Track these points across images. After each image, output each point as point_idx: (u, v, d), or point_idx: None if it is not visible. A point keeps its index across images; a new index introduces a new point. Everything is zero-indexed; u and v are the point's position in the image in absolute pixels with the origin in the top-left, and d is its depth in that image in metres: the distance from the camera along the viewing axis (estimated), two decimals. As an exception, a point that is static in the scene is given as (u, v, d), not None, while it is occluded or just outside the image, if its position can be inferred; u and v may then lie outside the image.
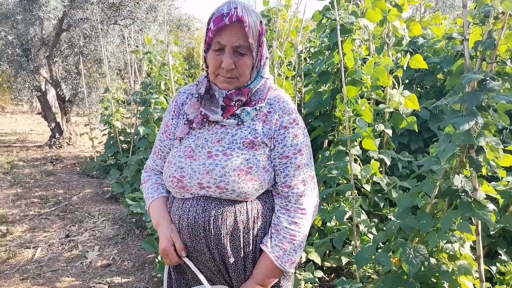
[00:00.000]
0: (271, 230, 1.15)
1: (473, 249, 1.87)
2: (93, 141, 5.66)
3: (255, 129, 1.12)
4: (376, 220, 2.73)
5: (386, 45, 2.68)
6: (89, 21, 6.31)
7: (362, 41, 2.81)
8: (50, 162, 6.09)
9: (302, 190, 1.14)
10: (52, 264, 2.90)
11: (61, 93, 7.23)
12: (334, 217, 2.42)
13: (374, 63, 2.83)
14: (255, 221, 1.13)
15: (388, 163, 2.72)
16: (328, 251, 2.73)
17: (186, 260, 1.14)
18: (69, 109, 7.57)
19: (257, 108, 1.13)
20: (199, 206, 1.11)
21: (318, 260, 2.42)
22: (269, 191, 1.18)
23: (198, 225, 1.10)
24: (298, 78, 3.65)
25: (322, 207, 2.55)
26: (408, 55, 2.68)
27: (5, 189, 4.67)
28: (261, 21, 1.10)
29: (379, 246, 2.29)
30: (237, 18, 1.03)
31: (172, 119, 1.24)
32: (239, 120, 1.13)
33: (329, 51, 2.48)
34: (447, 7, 12.28)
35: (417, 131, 2.70)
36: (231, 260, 1.13)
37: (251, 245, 1.14)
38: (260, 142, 1.11)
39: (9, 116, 11.55)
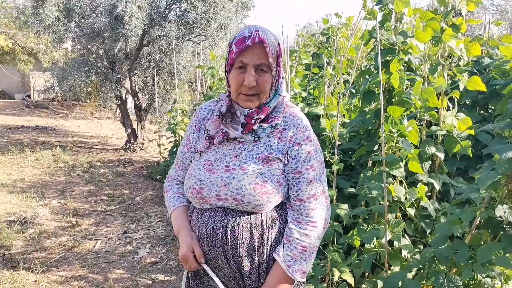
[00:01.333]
0: (283, 240, 1.21)
1: (517, 288, 1.71)
2: (160, 147, 6.10)
3: (270, 145, 1.20)
4: (421, 247, 2.60)
5: (440, 65, 2.57)
6: (166, 38, 6.87)
7: (421, 61, 2.73)
8: (122, 165, 6.68)
9: (313, 204, 1.20)
10: (108, 256, 3.20)
11: (138, 102, 7.93)
12: (374, 239, 2.38)
13: (428, 83, 2.73)
14: (270, 232, 1.20)
15: (438, 187, 2.57)
16: (367, 274, 2.65)
17: (205, 266, 1.23)
18: (144, 117, 8.25)
19: (273, 125, 1.21)
20: (217, 217, 1.19)
21: (351, 280, 2.37)
22: (283, 203, 1.24)
23: (216, 235, 1.18)
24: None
25: (361, 227, 2.50)
26: (465, 76, 2.54)
27: (81, 186, 5.23)
28: (278, 43, 1.19)
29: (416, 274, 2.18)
30: (259, 39, 1.13)
31: (193, 133, 1.32)
32: (256, 136, 1.20)
33: (376, 71, 2.46)
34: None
35: (471, 156, 2.53)
36: (246, 268, 1.20)
37: (265, 254, 1.21)
38: (275, 158, 1.19)
39: (96, 121, 12.86)
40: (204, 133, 1.28)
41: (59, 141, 8.58)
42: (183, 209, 1.31)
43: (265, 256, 1.21)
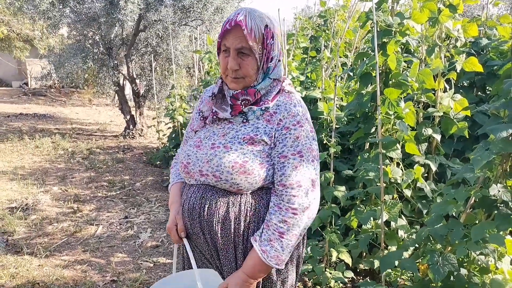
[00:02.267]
0: (263, 225, 1.19)
1: None
2: (159, 133, 6.11)
3: (257, 127, 1.19)
4: (418, 227, 2.64)
5: (437, 47, 2.56)
6: (162, 23, 6.80)
7: (419, 42, 2.72)
8: (122, 151, 6.70)
9: (296, 191, 1.17)
10: (109, 241, 3.25)
11: (136, 89, 7.90)
12: (371, 219, 2.42)
13: (425, 65, 2.73)
14: (247, 214, 1.19)
15: (434, 169, 2.60)
16: (364, 254, 2.70)
17: (185, 240, 1.27)
18: (142, 103, 8.23)
19: (263, 108, 1.20)
20: (198, 193, 1.22)
21: (348, 260, 2.41)
22: (268, 188, 1.23)
23: (195, 210, 1.22)
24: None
25: (358, 208, 2.54)
26: (462, 57, 2.54)
27: (82, 172, 5.26)
28: (266, 25, 1.17)
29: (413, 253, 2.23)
30: (235, 22, 1.13)
31: (196, 113, 1.37)
32: (245, 118, 1.21)
33: (373, 53, 2.45)
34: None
35: (468, 137, 2.55)
36: (222, 246, 1.21)
37: (241, 236, 1.20)
38: (260, 139, 1.18)
39: (95, 108, 12.82)
40: (199, 114, 1.32)
41: (58, 128, 8.58)
42: (179, 186, 1.36)
43: (241, 238, 1.20)
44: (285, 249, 1.17)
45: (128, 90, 9.18)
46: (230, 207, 1.19)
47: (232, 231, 1.20)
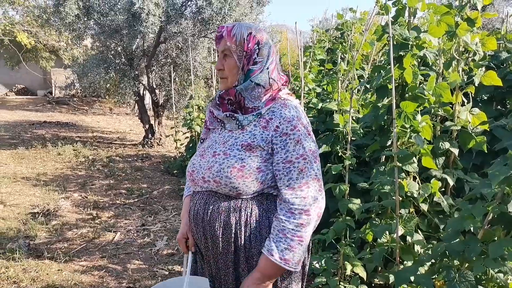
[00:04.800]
0: (276, 235, 1.20)
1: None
2: (176, 142, 6.21)
3: (254, 134, 1.26)
4: (434, 242, 2.60)
5: (455, 60, 2.55)
6: (182, 35, 6.96)
7: (436, 55, 2.72)
8: (140, 159, 6.83)
9: (306, 193, 1.21)
10: (126, 248, 3.31)
11: (155, 98, 8.07)
12: (386, 233, 2.40)
13: (443, 78, 2.72)
14: (248, 219, 1.24)
15: (452, 183, 2.57)
16: (379, 268, 2.67)
17: (190, 254, 1.36)
18: (161, 113, 8.39)
19: (254, 114, 1.28)
20: (202, 200, 1.30)
21: (363, 274, 2.39)
22: (268, 194, 1.27)
23: (199, 215, 1.29)
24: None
25: (374, 222, 2.52)
26: (481, 71, 2.52)
27: (101, 180, 5.39)
28: (250, 33, 1.28)
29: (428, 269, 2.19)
30: (220, 28, 1.31)
31: (204, 128, 1.48)
32: (239, 123, 1.29)
33: (389, 66, 2.46)
34: None
35: (486, 151, 2.51)
36: (221, 250, 1.26)
37: (242, 240, 1.24)
38: (257, 145, 1.24)
39: (115, 117, 13.12)
40: (204, 121, 1.45)
41: (80, 136, 8.81)
42: (189, 198, 1.44)
43: (242, 242, 1.24)
44: (305, 250, 1.24)
45: (147, 100, 9.39)
46: (231, 212, 1.25)
47: (233, 235, 1.25)
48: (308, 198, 1.22)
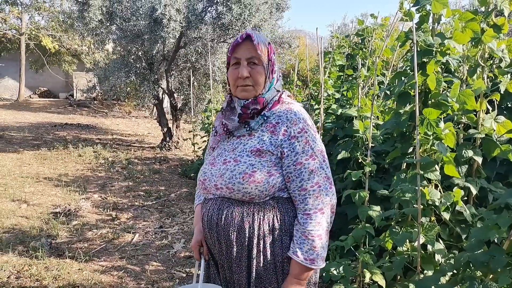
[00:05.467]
0: (299, 237, 1.26)
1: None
2: (194, 146, 6.27)
3: (263, 140, 1.28)
4: (456, 252, 2.54)
5: (480, 67, 2.51)
6: (202, 40, 7.05)
7: (460, 62, 2.68)
8: (158, 162, 6.91)
9: (318, 192, 1.27)
10: (145, 249, 3.36)
11: (174, 102, 8.18)
12: (406, 241, 2.36)
13: (466, 85, 2.67)
14: (261, 223, 1.27)
15: (475, 192, 2.51)
16: (399, 277, 2.63)
17: (202, 261, 1.38)
18: (180, 117, 8.49)
19: (262, 114, 1.30)
20: (216, 205, 1.32)
21: (382, 282, 2.36)
22: (278, 197, 1.31)
23: (213, 221, 1.31)
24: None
25: (394, 229, 2.49)
26: (507, 78, 2.47)
27: (120, 182, 5.48)
28: (269, 42, 1.34)
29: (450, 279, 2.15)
30: (246, 34, 1.29)
31: (211, 137, 1.49)
32: (249, 128, 1.30)
33: (412, 72, 2.43)
34: None
35: (511, 160, 2.45)
36: (235, 254, 1.29)
37: (255, 244, 1.27)
38: (266, 150, 1.27)
39: (134, 120, 13.34)
40: (214, 130, 1.45)
41: (100, 139, 8.99)
42: (201, 206, 1.46)
43: (255, 245, 1.27)
44: (326, 246, 1.29)
45: (166, 104, 9.53)
46: (245, 217, 1.27)
47: (247, 239, 1.27)
48: (321, 197, 1.27)
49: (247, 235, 1.27)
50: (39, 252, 3.09)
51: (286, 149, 1.27)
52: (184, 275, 2.93)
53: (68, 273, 2.85)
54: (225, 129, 1.35)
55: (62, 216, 3.97)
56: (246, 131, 1.31)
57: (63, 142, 7.95)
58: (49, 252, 3.19)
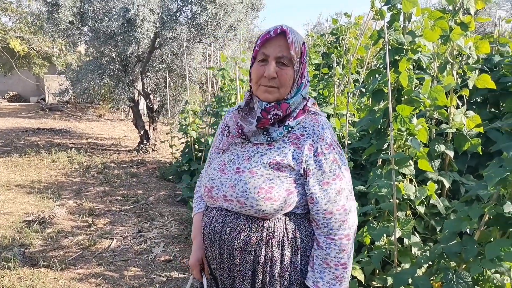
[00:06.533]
0: (320, 265, 1.14)
1: (525, 283, 1.73)
2: (172, 148, 6.19)
3: (285, 152, 1.14)
4: (432, 244, 2.61)
5: (449, 64, 2.58)
6: (177, 40, 6.97)
7: (431, 59, 2.75)
8: (135, 165, 6.79)
9: (344, 216, 1.15)
10: (123, 255, 3.29)
11: (150, 104, 8.05)
12: (384, 236, 2.41)
13: (437, 82, 2.75)
14: (269, 241, 1.14)
15: (448, 185, 2.59)
16: (377, 271, 2.67)
17: (204, 281, 1.28)
18: (156, 119, 8.37)
19: (286, 124, 1.15)
20: (220, 216, 1.18)
21: (361, 277, 2.40)
22: (291, 213, 1.18)
23: (216, 233, 1.18)
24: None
25: (371, 225, 2.53)
26: (475, 74, 2.55)
27: (96, 187, 5.35)
28: (304, 42, 1.17)
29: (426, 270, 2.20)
30: (281, 30, 1.12)
31: (219, 135, 1.34)
32: (269, 137, 1.16)
33: (385, 70, 2.48)
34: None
35: (481, 153, 2.54)
36: (238, 272, 1.17)
37: (262, 264, 1.15)
38: (287, 165, 1.13)
39: (109, 123, 13.04)
40: (226, 130, 1.28)
41: (74, 143, 8.76)
42: (201, 216, 1.33)
43: (261, 266, 1.15)
44: (349, 276, 1.16)
45: (142, 106, 9.37)
46: (252, 233, 1.14)
47: (252, 257, 1.15)
48: (348, 222, 1.15)
49: (252, 252, 1.14)
50: (11, 262, 2.98)
51: (311, 167, 1.13)
52: (164, 279, 2.89)
53: (43, 282, 2.76)
54: (240, 131, 1.18)
55: (36, 224, 3.85)
56: (266, 140, 1.16)
57: (35, 148, 7.71)
58: (22, 262, 3.08)
